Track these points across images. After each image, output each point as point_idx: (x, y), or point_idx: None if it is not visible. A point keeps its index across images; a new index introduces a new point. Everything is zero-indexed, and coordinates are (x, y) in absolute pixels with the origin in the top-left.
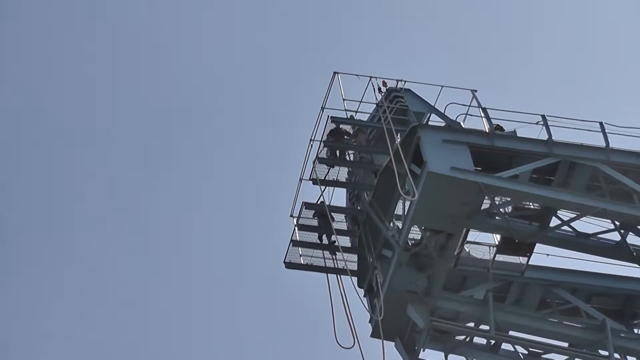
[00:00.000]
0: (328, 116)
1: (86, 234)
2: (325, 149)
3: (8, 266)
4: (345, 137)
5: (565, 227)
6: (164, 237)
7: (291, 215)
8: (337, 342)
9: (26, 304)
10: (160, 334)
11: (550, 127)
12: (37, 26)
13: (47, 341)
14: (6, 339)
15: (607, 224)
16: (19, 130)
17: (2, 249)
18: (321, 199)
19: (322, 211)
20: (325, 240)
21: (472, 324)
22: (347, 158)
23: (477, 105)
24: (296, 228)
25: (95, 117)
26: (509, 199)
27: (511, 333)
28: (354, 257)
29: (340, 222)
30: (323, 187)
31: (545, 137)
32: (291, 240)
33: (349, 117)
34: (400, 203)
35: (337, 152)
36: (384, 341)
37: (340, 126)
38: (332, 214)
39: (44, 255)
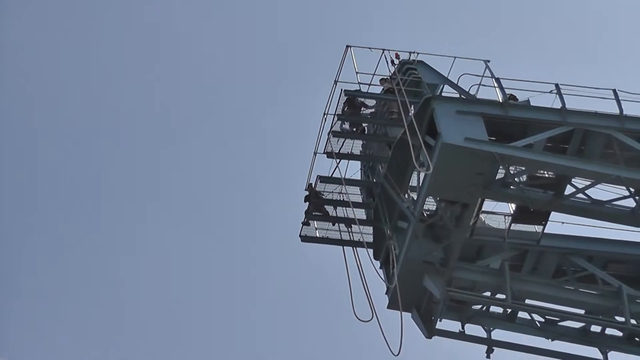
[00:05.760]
0: (341, 89)
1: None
2: (340, 122)
3: None
4: (362, 109)
5: (580, 195)
6: (178, 213)
7: (305, 189)
8: (356, 316)
9: None
10: (176, 311)
11: (563, 95)
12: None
13: None
14: None
15: (622, 190)
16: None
17: None
18: (336, 172)
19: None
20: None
21: (488, 294)
22: (364, 130)
23: (490, 75)
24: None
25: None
26: (523, 168)
27: (527, 301)
28: (370, 230)
29: (355, 194)
30: (338, 160)
31: (559, 105)
32: (306, 214)
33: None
34: (415, 175)
35: (351, 125)
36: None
37: (355, 99)
38: (347, 186)
39: None
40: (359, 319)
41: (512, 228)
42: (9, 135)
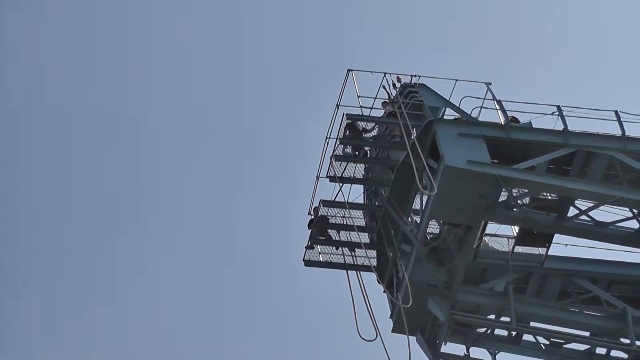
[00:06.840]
0: (343, 113)
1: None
2: (342, 146)
3: None
4: (363, 134)
5: (583, 217)
6: (183, 236)
7: (309, 213)
8: (360, 335)
9: None
10: (184, 327)
11: (565, 117)
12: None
13: None
14: None
15: (625, 212)
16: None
17: None
18: (339, 196)
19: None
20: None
21: (492, 316)
22: (366, 154)
23: (492, 97)
24: None
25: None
26: (526, 191)
27: (532, 324)
28: (373, 253)
29: (358, 218)
30: (340, 184)
31: (561, 127)
32: (310, 238)
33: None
34: (417, 198)
35: (353, 149)
36: (405, 336)
37: (357, 123)
38: (351, 210)
39: None
40: (363, 339)
41: (515, 250)
42: (11, 136)
